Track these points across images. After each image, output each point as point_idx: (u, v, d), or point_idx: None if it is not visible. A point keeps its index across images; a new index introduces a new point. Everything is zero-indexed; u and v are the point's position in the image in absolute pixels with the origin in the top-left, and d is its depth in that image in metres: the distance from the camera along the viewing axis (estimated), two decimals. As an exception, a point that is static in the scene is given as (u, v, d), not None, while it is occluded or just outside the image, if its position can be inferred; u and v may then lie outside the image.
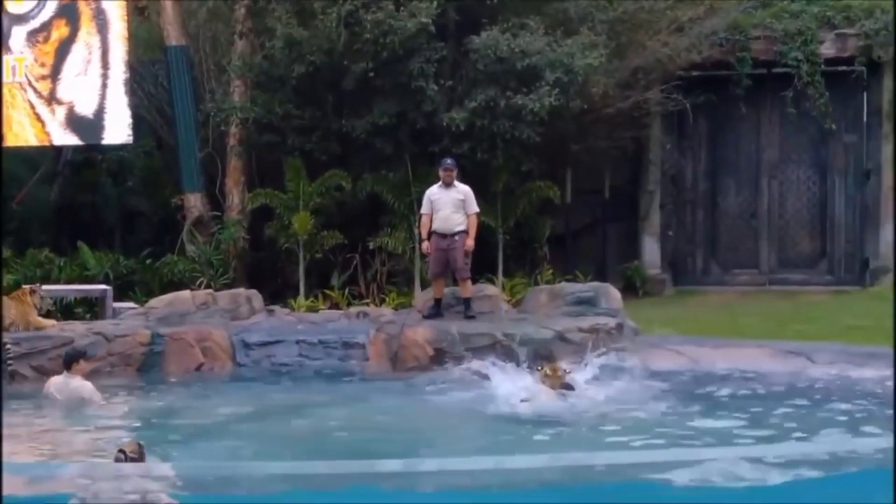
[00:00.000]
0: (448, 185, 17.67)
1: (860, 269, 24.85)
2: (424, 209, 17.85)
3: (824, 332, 18.54)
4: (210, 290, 19.61)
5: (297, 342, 16.87)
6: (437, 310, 17.67)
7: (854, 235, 25.09)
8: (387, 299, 21.98)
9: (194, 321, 17.72)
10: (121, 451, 8.86)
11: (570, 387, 13.64)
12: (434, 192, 17.79)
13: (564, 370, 13.78)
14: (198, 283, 22.01)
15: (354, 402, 14.47)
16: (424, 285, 21.14)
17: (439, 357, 16.12)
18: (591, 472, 8.68)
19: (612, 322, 16.81)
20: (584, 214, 25.33)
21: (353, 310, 19.11)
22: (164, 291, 20.32)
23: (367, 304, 21.13)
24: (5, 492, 7.48)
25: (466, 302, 17.67)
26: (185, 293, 19.07)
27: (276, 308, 19.23)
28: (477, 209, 17.79)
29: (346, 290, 22.48)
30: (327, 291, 22.45)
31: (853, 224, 25.11)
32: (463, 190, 17.68)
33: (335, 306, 21.34)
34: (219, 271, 22.66)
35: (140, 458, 8.85)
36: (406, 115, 21.90)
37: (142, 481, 8.58)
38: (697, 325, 19.48)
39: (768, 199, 25.40)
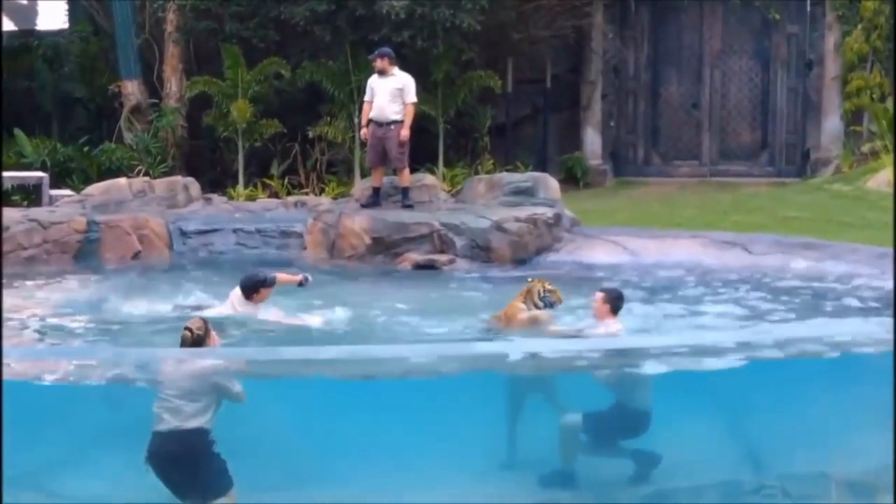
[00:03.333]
0: (383, 73, 17.46)
1: (801, 161, 24.92)
2: (367, 97, 17.65)
3: (763, 223, 18.61)
4: (147, 178, 19.45)
5: (235, 231, 16.83)
6: (374, 199, 17.54)
7: (795, 126, 25.13)
8: (327, 189, 21.90)
9: (131, 209, 17.54)
10: (187, 328, 8.41)
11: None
12: (374, 79, 17.56)
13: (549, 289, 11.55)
14: (136, 170, 21.83)
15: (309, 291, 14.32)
16: (365, 174, 21.01)
17: (376, 246, 16.09)
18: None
19: (549, 212, 16.69)
20: (525, 104, 25.22)
21: (291, 199, 19.06)
22: (101, 179, 20.10)
23: (307, 194, 21.08)
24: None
25: (404, 191, 17.55)
26: (122, 180, 18.88)
27: (214, 196, 19.13)
28: (414, 99, 17.52)
29: (286, 180, 22.41)
30: (267, 181, 22.35)
31: (794, 115, 25.13)
32: (402, 79, 17.43)
33: (275, 195, 21.29)
34: (157, 159, 22.50)
35: (206, 335, 8.44)
36: (345, 1, 21.67)
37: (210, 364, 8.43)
38: (637, 217, 19.51)
39: (710, 90, 25.34)
